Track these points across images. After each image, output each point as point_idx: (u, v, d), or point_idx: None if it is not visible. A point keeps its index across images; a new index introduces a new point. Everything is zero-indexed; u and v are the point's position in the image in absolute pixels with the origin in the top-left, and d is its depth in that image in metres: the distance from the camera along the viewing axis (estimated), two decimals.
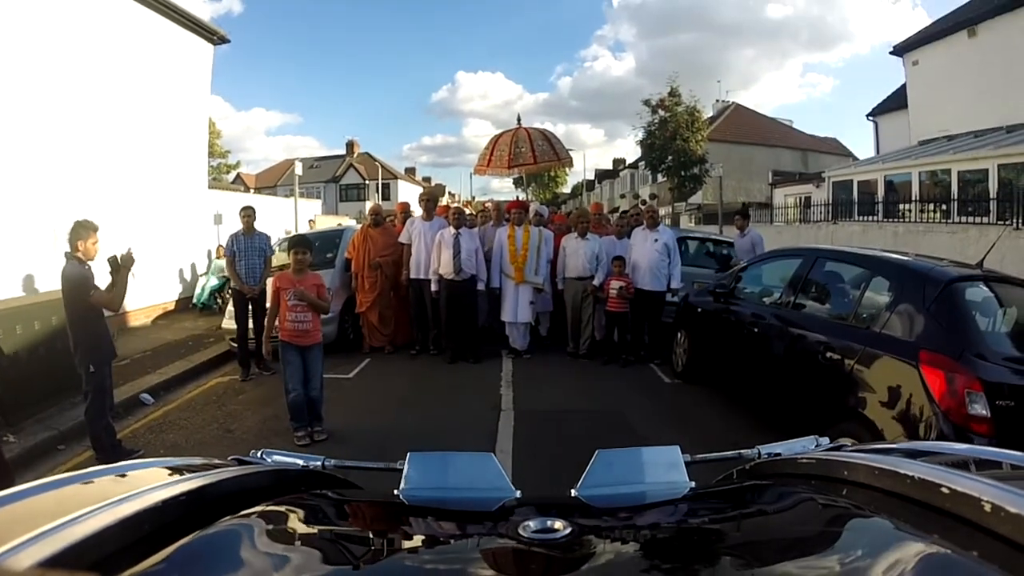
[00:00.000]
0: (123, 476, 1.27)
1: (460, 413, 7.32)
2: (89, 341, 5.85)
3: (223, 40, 16.94)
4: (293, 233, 11.10)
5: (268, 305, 8.52)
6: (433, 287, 9.51)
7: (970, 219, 16.75)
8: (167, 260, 13.79)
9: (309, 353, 6.40)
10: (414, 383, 8.68)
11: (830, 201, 24.37)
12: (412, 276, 9.86)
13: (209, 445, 6.50)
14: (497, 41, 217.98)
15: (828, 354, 5.25)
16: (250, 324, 9.05)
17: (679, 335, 8.68)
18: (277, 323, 6.47)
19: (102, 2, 12.17)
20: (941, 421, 4.12)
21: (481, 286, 9.65)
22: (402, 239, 10.05)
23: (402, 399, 7.93)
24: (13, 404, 5.27)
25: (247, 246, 8.98)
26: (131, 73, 13.01)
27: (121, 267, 5.75)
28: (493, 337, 10.15)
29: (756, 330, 6.60)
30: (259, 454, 1.61)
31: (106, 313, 5.99)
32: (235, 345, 9.37)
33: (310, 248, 6.64)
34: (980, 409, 4.02)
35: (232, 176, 48.88)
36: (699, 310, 8.14)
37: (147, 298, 13.23)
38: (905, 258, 5.55)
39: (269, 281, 9.11)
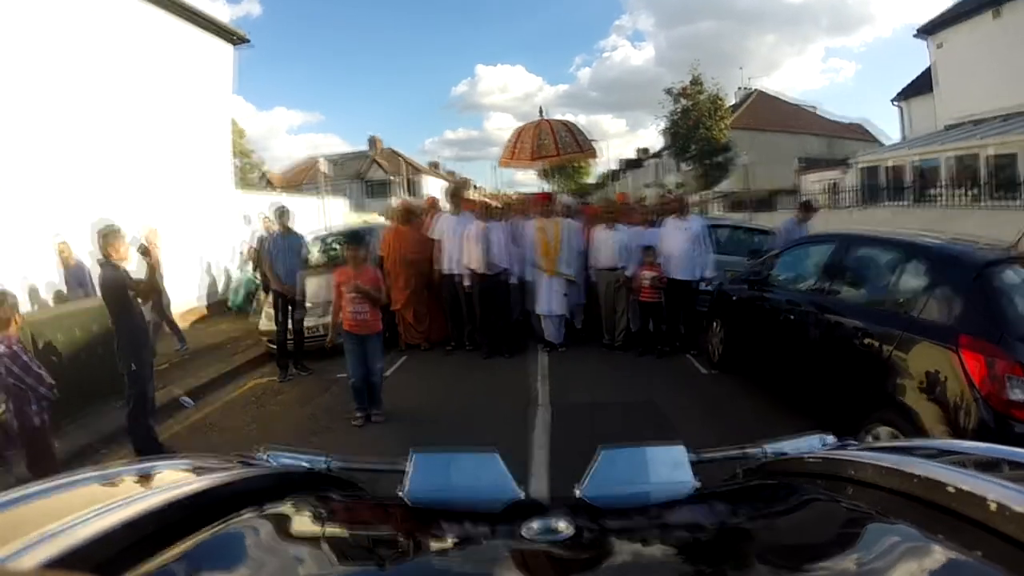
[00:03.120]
0: (127, 477, 1.29)
1: (497, 408, 7.36)
2: (130, 339, 6.00)
3: (243, 41, 17.13)
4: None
5: (307, 303, 9.18)
6: (465, 282, 9.57)
7: (1000, 203, 16.57)
8: (198, 262, 13.92)
9: (368, 342, 6.89)
10: (450, 379, 8.76)
11: (858, 187, 24.15)
12: (444, 272, 9.90)
13: (249, 447, 6.48)
14: (515, 34, 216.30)
15: (864, 340, 5.21)
16: (289, 325, 9.10)
17: (714, 324, 8.63)
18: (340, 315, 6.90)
19: (123, 8, 12.34)
20: (981, 407, 4.08)
21: (514, 279, 9.69)
22: (431, 234, 10.10)
23: (439, 395, 8.01)
24: (55, 409, 5.42)
25: (284, 246, 9.04)
26: (153, 77, 13.21)
27: (150, 247, 5.93)
28: (528, 331, 10.17)
29: (791, 317, 6.57)
30: (264, 454, 1.62)
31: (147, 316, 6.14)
32: (272, 346, 9.46)
33: (363, 243, 7.12)
34: (1021, 395, 3.97)
35: (257, 175, 49.02)
36: (733, 299, 8.12)
37: (182, 301, 13.38)
38: (941, 241, 5.51)
39: (315, 278, 9.74)
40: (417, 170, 57.55)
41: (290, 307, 9.04)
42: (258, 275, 13.65)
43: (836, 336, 5.73)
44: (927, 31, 24.23)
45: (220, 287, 15.04)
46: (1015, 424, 3.98)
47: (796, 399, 6.48)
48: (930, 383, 4.50)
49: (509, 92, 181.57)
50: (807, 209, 11.06)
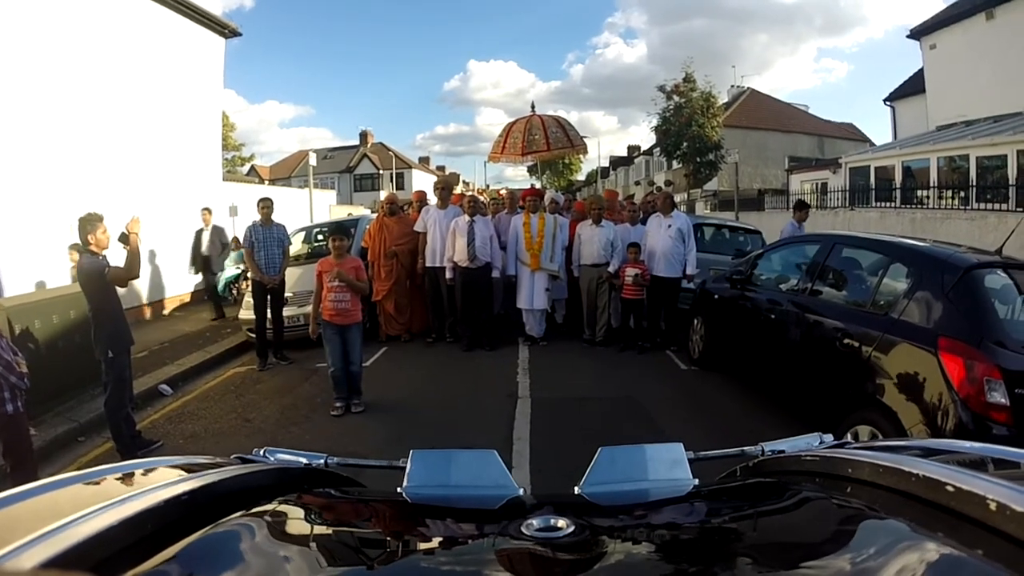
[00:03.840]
0: (125, 476, 1.27)
1: (477, 400, 7.34)
2: (108, 328, 5.96)
3: (234, 33, 17.06)
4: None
5: (287, 293, 9.25)
6: (448, 275, 9.55)
7: (989, 206, 16.60)
8: (182, 252, 13.83)
9: (348, 332, 6.95)
10: (431, 371, 8.73)
11: (847, 187, 24.21)
12: (428, 264, 9.89)
13: (227, 435, 6.59)
14: (508, 30, 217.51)
15: (846, 341, 5.22)
16: (268, 314, 9.10)
17: (696, 322, 8.65)
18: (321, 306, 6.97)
19: (115, 0, 12.25)
20: (960, 409, 4.09)
21: (496, 273, 9.64)
22: (417, 227, 10.06)
23: (419, 387, 7.97)
24: (33, 397, 5.39)
25: (266, 237, 9.02)
26: (144, 68, 13.14)
27: (130, 235, 5.91)
28: (509, 325, 10.16)
29: (773, 317, 6.57)
30: (262, 452, 1.60)
31: (124, 305, 6.10)
32: (252, 335, 9.45)
33: (347, 235, 7.27)
34: (999, 397, 3.98)
35: (247, 168, 49.02)
36: (716, 297, 8.11)
37: (163, 290, 13.39)
38: (924, 244, 5.50)
39: (295, 268, 9.78)
40: (406, 164, 57.59)
41: (270, 296, 9.04)
42: (194, 270, 13.52)
43: (818, 336, 5.74)
44: (920, 33, 24.28)
45: (202, 276, 14.94)
46: (993, 426, 4.00)
47: (777, 397, 6.54)
48: (910, 384, 4.52)
49: (501, 88, 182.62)
50: (802, 207, 11.30)
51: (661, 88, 34.20)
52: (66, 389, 7.26)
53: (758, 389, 7.02)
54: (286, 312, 9.42)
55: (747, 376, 7.43)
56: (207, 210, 13.27)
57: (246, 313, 9.81)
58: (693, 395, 7.45)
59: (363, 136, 59.82)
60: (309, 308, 8.09)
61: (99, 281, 5.85)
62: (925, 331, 4.54)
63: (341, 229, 7.36)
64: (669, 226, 9.13)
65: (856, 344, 5.10)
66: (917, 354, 4.52)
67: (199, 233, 13.18)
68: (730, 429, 6.05)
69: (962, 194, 18.42)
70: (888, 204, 21.36)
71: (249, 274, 9.61)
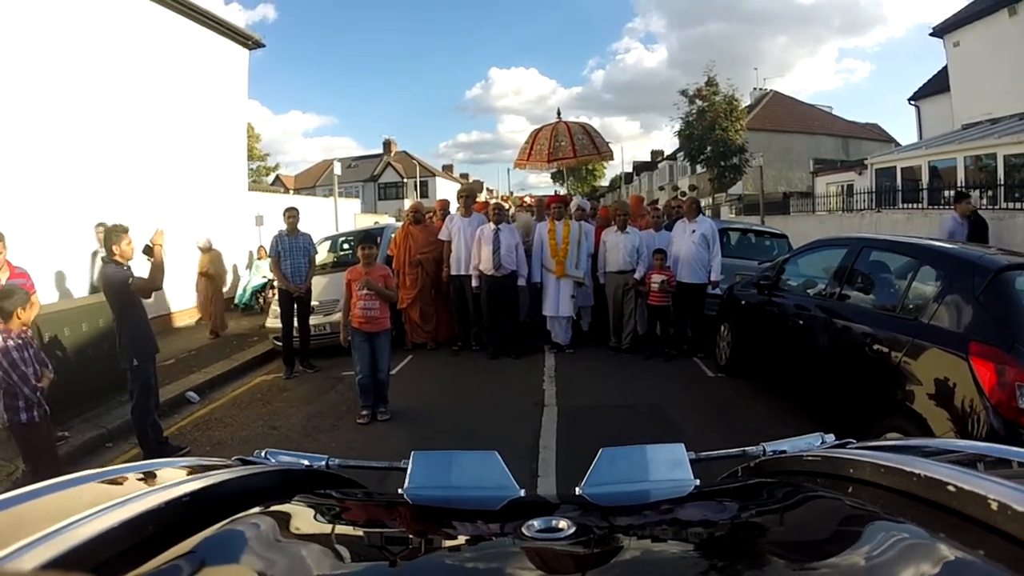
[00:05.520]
0: (127, 478, 1.27)
1: (503, 409, 7.33)
2: (132, 337, 6.07)
3: (258, 45, 17.27)
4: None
5: (313, 302, 9.33)
6: (474, 283, 9.55)
7: (1017, 205, 16.37)
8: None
9: (377, 339, 7.01)
10: (457, 379, 8.74)
11: (873, 188, 23.97)
12: (453, 272, 9.90)
13: (254, 442, 6.58)
14: (528, 37, 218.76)
15: (874, 346, 5.15)
16: (295, 323, 9.18)
17: (723, 328, 8.57)
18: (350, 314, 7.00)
19: (141, 13, 12.47)
20: (991, 415, 4.01)
21: (522, 282, 9.64)
22: (441, 236, 10.11)
23: (445, 395, 8.00)
24: (62, 403, 5.50)
25: (291, 246, 9.10)
26: (171, 80, 13.35)
27: (155, 247, 6.01)
28: (535, 332, 10.15)
29: (800, 322, 6.49)
30: (263, 454, 1.61)
31: (149, 314, 6.19)
32: (279, 344, 9.52)
33: (374, 243, 7.31)
34: None
35: (272, 178, 49.36)
36: (743, 303, 8.03)
37: (190, 299, 13.45)
38: (953, 246, 5.43)
39: (321, 277, 9.96)
40: (430, 172, 57.75)
41: (296, 305, 9.12)
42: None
43: (846, 341, 5.66)
44: (942, 30, 24.01)
45: (228, 285, 15.05)
46: None
47: (804, 404, 6.44)
48: (940, 390, 4.44)
49: (523, 95, 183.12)
50: (962, 199, 10.73)
51: (684, 92, 34.06)
52: (95, 395, 7.39)
53: (786, 396, 6.94)
54: (312, 321, 9.48)
55: (775, 383, 7.34)
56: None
57: (272, 322, 9.92)
58: (720, 402, 7.39)
59: (386, 145, 60.02)
60: (335, 317, 8.17)
61: (123, 291, 5.95)
62: (955, 335, 4.45)
63: (369, 237, 7.50)
64: (693, 231, 9.07)
65: (885, 349, 5.02)
66: (947, 359, 4.43)
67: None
68: (756, 436, 5.84)
69: (990, 193, 18.16)
70: (915, 205, 21.09)
71: (276, 283, 9.67)
